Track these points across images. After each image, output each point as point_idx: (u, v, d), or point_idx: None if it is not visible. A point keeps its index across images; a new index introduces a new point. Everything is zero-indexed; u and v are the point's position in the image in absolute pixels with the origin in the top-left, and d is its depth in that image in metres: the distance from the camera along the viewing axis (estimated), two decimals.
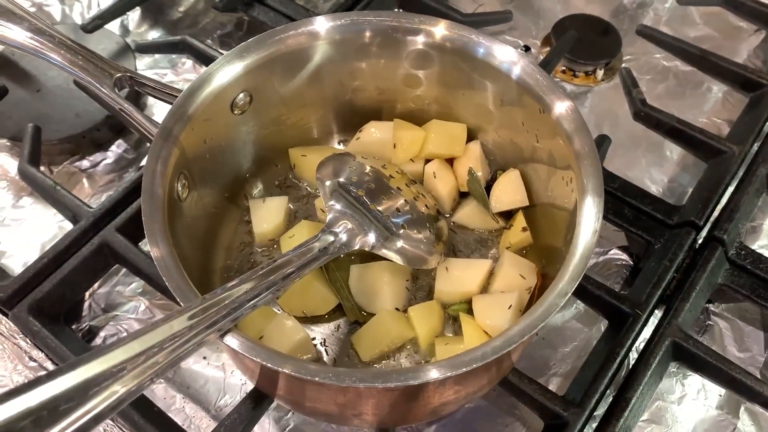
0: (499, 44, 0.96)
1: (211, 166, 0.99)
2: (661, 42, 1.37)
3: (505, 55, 0.96)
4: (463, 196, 1.11)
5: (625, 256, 1.18)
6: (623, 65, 1.44)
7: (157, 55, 1.44)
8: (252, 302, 0.76)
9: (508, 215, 1.07)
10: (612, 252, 1.18)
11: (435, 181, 1.07)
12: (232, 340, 0.72)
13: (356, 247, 0.91)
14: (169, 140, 0.86)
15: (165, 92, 0.94)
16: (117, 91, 0.91)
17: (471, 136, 1.10)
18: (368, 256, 0.98)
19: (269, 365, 0.69)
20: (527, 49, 1.49)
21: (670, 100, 1.39)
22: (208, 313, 0.72)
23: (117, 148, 1.33)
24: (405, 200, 0.99)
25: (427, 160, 1.10)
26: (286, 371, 0.68)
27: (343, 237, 0.90)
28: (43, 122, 1.23)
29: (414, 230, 0.97)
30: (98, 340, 1.10)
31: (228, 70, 0.93)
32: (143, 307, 1.13)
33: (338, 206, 0.94)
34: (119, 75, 0.92)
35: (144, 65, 1.45)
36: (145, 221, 0.78)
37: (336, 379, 0.68)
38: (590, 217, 0.79)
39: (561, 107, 0.89)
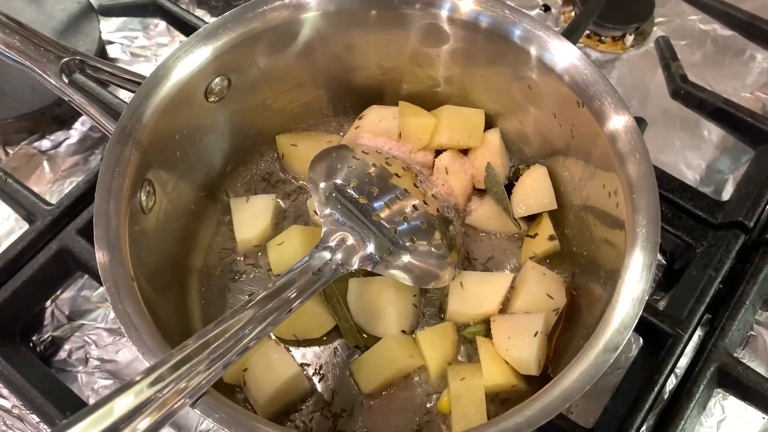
0: (538, 25, 0.79)
1: (184, 165, 0.84)
2: (704, 6, 1.20)
3: (547, 40, 0.79)
4: (478, 191, 0.96)
5: (658, 255, 1.04)
6: (655, 29, 1.27)
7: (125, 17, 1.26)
8: (237, 349, 0.63)
9: (531, 215, 0.93)
10: None
11: (447, 176, 0.92)
12: (203, 408, 0.58)
13: (355, 267, 0.77)
14: (128, 144, 0.71)
15: (126, 78, 0.78)
16: (65, 78, 0.75)
17: (489, 124, 0.95)
18: None
19: None
20: (547, 8, 1.31)
21: (707, 70, 1.23)
22: (191, 363, 0.59)
23: (81, 126, 1.17)
24: (413, 205, 0.84)
25: (438, 151, 0.95)
26: None
27: (340, 255, 0.76)
28: None
29: (423, 241, 0.83)
30: (62, 354, 0.97)
31: (196, 56, 0.77)
32: (112, 315, 0.99)
33: (335, 216, 0.80)
34: (67, 59, 0.75)
35: (112, 27, 1.27)
36: (102, 264, 0.64)
37: None
38: (639, 267, 0.65)
39: (618, 122, 0.73)
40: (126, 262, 0.65)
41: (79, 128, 1.17)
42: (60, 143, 1.15)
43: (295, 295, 0.69)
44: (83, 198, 0.94)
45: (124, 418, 0.53)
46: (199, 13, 1.28)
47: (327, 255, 0.76)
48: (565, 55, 0.77)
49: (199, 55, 0.77)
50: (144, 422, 0.54)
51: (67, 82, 0.75)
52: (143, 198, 0.74)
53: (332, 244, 0.77)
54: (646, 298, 0.63)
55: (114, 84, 0.79)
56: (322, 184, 0.83)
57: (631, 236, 0.66)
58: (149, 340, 0.62)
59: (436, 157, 0.95)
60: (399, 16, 0.84)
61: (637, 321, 0.62)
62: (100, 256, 0.64)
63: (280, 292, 0.69)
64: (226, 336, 0.63)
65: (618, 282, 0.65)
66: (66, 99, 0.75)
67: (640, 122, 1.03)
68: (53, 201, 0.95)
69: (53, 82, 0.74)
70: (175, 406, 0.57)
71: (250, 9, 0.80)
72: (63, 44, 0.76)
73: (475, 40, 0.84)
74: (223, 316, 0.64)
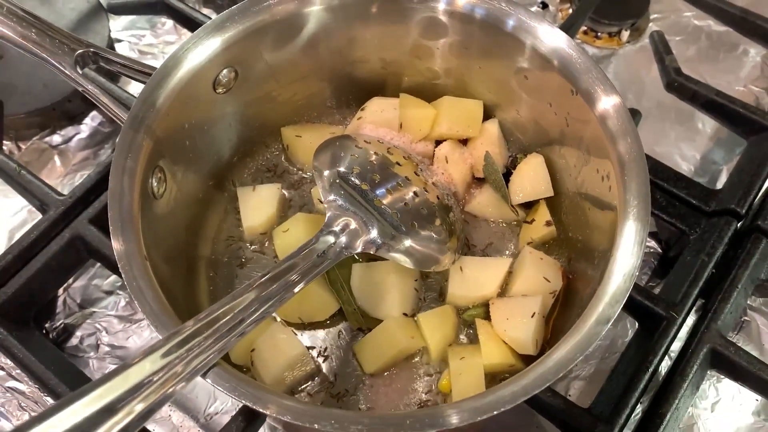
0: (532, 15, 0.82)
1: (193, 154, 0.87)
2: (698, 2, 1.23)
3: (540, 30, 0.82)
4: (477, 179, 0.99)
5: (653, 243, 1.07)
6: (650, 25, 1.30)
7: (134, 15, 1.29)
8: (238, 330, 0.65)
9: (528, 203, 0.96)
10: None
11: (447, 165, 0.95)
12: (214, 378, 0.61)
13: (358, 250, 0.80)
14: (140, 131, 0.74)
15: (137, 70, 0.81)
16: (80, 70, 0.78)
17: (488, 114, 0.98)
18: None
19: (260, 410, 0.59)
20: (545, 5, 1.35)
21: (701, 65, 1.26)
22: (188, 346, 0.61)
23: (91, 121, 1.20)
24: (414, 192, 0.87)
25: (438, 141, 0.98)
26: (286, 419, 0.58)
27: (344, 239, 0.79)
28: (7, 94, 1.11)
29: (424, 226, 0.86)
30: (74, 341, 1.00)
31: (205, 47, 0.80)
32: (123, 303, 1.02)
33: (339, 202, 0.83)
34: (81, 51, 0.78)
35: (120, 26, 1.30)
36: (115, 242, 0.67)
37: (340, 426, 0.58)
38: (630, 243, 0.68)
39: (608, 102, 0.76)
40: (139, 241, 0.68)
41: (89, 123, 1.20)
42: (71, 138, 1.19)
43: (298, 277, 0.72)
44: (95, 188, 0.97)
45: (132, 390, 0.56)
46: (206, 11, 1.30)
47: (331, 239, 0.78)
48: (557, 44, 0.80)
49: (207, 47, 0.80)
50: (152, 396, 0.56)
51: (81, 73, 0.78)
52: (155, 184, 0.77)
53: (336, 228, 0.80)
54: (637, 273, 0.66)
55: (126, 76, 0.82)
56: (326, 172, 0.86)
57: (623, 214, 0.69)
58: (162, 314, 0.64)
59: (436, 147, 0.98)
60: (399, 9, 0.88)
61: (628, 295, 0.64)
62: (115, 236, 0.67)
63: (284, 274, 0.71)
64: (234, 313, 0.65)
65: (610, 258, 0.67)
66: (80, 90, 0.78)
67: (635, 113, 1.06)
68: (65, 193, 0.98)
69: (68, 73, 0.77)
70: (179, 384, 0.59)
71: (256, 3, 0.83)
72: (77, 37, 0.79)
73: (472, 32, 0.87)
74: (230, 294, 0.67)
